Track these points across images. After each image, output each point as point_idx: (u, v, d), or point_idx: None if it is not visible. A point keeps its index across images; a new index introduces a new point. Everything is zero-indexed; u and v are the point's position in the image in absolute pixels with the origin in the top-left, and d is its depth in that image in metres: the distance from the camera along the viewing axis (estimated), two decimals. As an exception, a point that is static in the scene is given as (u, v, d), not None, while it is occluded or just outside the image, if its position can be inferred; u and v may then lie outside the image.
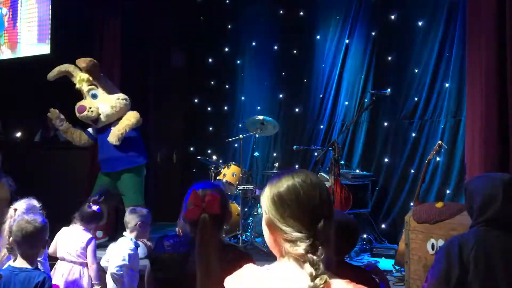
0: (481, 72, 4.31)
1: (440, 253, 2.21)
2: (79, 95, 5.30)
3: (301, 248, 1.26)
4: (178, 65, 7.30)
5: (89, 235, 3.42)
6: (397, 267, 4.49)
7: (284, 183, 1.33)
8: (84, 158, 6.01)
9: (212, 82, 7.46)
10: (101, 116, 5.04)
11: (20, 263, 2.46)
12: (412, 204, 4.56)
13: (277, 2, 6.81)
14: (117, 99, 5.11)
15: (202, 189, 2.01)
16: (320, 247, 1.26)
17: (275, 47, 6.88)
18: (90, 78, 5.11)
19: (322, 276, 1.23)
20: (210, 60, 7.44)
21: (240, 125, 6.58)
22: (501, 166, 4.13)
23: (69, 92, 5.56)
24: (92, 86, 5.10)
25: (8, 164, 5.91)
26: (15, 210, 3.10)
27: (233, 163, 5.78)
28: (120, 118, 5.08)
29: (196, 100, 7.60)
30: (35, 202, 3.31)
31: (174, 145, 7.49)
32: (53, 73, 5.23)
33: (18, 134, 7.26)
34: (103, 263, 3.46)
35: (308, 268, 1.24)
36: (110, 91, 5.19)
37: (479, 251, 2.09)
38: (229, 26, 7.27)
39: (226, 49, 7.32)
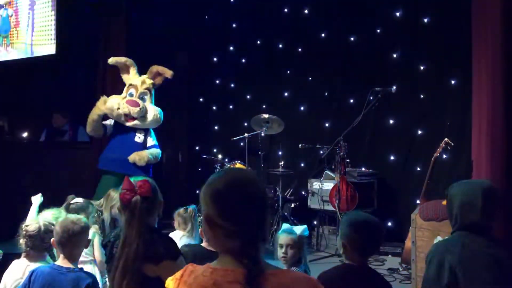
0: (488, 69, 4.29)
1: (428, 261, 2.20)
2: (86, 96, 5.36)
3: (238, 243, 1.30)
4: (183, 64, 7.31)
5: (91, 231, 3.39)
6: (403, 265, 4.48)
7: (222, 180, 1.37)
8: (89, 157, 6.03)
9: (217, 81, 7.46)
10: (147, 119, 5.18)
11: (64, 263, 2.47)
12: (418, 201, 4.54)
13: (281, 0, 6.80)
14: (156, 112, 5.28)
15: (133, 179, 2.22)
16: (258, 243, 1.32)
17: (280, 45, 6.87)
18: (151, 86, 5.33)
19: (258, 269, 1.28)
20: (215, 59, 7.44)
21: (245, 124, 6.58)
22: (507, 162, 4.11)
23: (72, 92, 5.61)
24: (147, 91, 5.27)
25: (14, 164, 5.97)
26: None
27: (239, 161, 5.78)
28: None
29: (201, 99, 7.61)
30: (63, 212, 3.29)
31: (179, 144, 7.51)
32: (118, 59, 5.40)
33: (25, 134, 7.29)
34: None
35: (244, 262, 1.28)
36: (151, 102, 5.37)
37: (465, 258, 2.08)
38: (234, 25, 7.26)
39: (231, 48, 7.32)
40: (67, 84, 5.82)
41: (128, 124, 5.18)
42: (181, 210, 3.90)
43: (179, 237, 3.79)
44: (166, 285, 1.40)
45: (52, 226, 2.73)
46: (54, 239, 2.54)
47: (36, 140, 7.03)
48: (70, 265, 2.47)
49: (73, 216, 2.63)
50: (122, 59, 5.41)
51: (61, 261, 2.49)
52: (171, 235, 3.85)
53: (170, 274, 1.98)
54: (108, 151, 5.28)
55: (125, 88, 5.34)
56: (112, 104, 5.18)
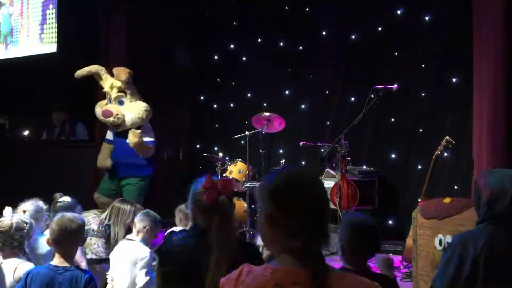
0: (489, 67, 4.28)
1: (449, 252, 2.16)
2: (86, 93, 5.36)
3: (300, 241, 1.27)
4: (184, 62, 7.30)
5: None
6: (404, 263, 4.48)
7: (282, 178, 1.35)
8: (90, 155, 6.03)
9: (218, 79, 7.45)
10: (126, 123, 5.13)
11: (60, 261, 2.46)
12: (419, 199, 4.53)
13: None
14: (142, 109, 5.21)
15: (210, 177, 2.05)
16: (320, 242, 1.29)
17: (281, 43, 6.86)
18: (122, 87, 5.22)
19: (323, 269, 1.25)
20: (215, 57, 7.43)
21: (246, 122, 6.57)
22: (508, 160, 4.10)
23: (74, 90, 5.61)
24: (122, 94, 5.21)
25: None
26: (24, 211, 3.13)
27: (240, 160, 5.78)
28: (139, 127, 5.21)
29: (202, 97, 7.60)
30: (41, 204, 3.33)
31: (180, 142, 7.50)
32: (81, 72, 5.31)
33: (26, 133, 7.30)
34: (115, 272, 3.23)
35: (307, 261, 1.25)
36: (136, 100, 5.28)
37: (489, 250, 2.05)
38: (235, 23, 7.25)
39: (232, 46, 7.31)
40: (68, 82, 5.81)
41: (118, 130, 5.21)
42: (182, 206, 3.88)
43: None
44: (220, 286, 1.36)
45: (25, 224, 2.75)
46: (49, 237, 2.52)
47: (37, 138, 7.04)
48: (66, 264, 2.46)
49: (69, 214, 2.61)
50: (85, 70, 5.30)
51: (57, 260, 2.48)
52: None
53: None
54: (112, 156, 5.34)
55: (106, 95, 5.35)
56: (98, 116, 5.23)
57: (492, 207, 2.13)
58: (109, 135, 5.38)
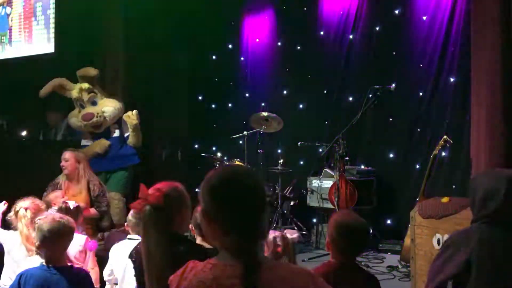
0: (487, 66, 4.29)
1: (443, 248, 2.20)
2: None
3: (235, 238, 1.30)
4: (182, 62, 7.30)
5: (83, 236, 3.30)
6: (403, 263, 4.48)
7: (218, 175, 1.37)
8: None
9: (216, 79, 7.45)
10: (107, 119, 5.17)
11: (53, 261, 2.44)
12: (417, 199, 4.54)
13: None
14: (116, 101, 5.31)
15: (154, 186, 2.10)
16: (255, 240, 1.32)
17: (279, 43, 6.87)
18: (91, 87, 5.26)
19: (255, 263, 1.28)
20: (214, 57, 7.43)
21: (244, 122, 6.58)
22: (506, 160, 4.11)
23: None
24: (93, 94, 5.30)
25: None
26: (26, 209, 3.11)
27: (238, 160, 5.78)
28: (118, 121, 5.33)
29: (200, 97, 7.60)
30: (38, 201, 3.32)
31: (178, 143, 7.50)
32: (45, 90, 5.39)
33: (24, 133, 7.28)
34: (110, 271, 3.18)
35: (240, 257, 1.28)
36: (108, 95, 5.38)
37: (482, 249, 2.07)
38: (233, 23, 7.25)
39: (230, 46, 7.31)
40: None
41: (99, 131, 5.34)
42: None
43: None
44: (168, 282, 1.40)
45: None
46: (39, 240, 2.48)
47: (34, 138, 7.03)
48: (60, 264, 2.44)
49: (57, 215, 2.59)
50: (48, 86, 5.41)
51: (49, 261, 2.45)
52: None
53: None
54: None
55: (74, 103, 5.42)
56: (76, 125, 5.29)
57: (485, 206, 2.15)
58: (84, 142, 5.45)
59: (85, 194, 4.19)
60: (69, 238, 2.54)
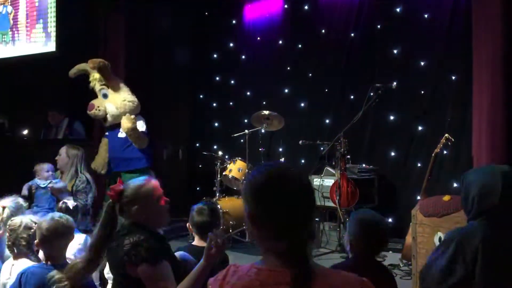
0: (488, 64, 4.28)
1: (443, 247, 2.14)
2: (87, 93, 5.40)
3: (283, 244, 1.22)
4: (183, 61, 7.30)
5: (82, 235, 3.33)
6: (404, 261, 4.48)
7: (264, 176, 1.28)
8: (88, 154, 6.02)
9: (217, 78, 7.45)
10: (108, 116, 5.18)
11: (52, 260, 2.45)
12: (419, 197, 4.53)
13: (281, -4, 6.79)
14: (123, 101, 5.21)
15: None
16: (305, 241, 1.23)
17: (280, 42, 6.86)
18: (102, 78, 5.23)
19: (306, 269, 1.21)
20: (215, 55, 7.43)
21: (245, 121, 6.57)
22: (508, 158, 4.11)
23: (72, 89, 5.62)
24: (103, 86, 5.27)
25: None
26: (4, 207, 3.09)
27: (239, 158, 5.78)
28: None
29: (201, 96, 7.60)
30: (21, 201, 3.28)
31: (180, 141, 7.50)
32: (73, 71, 5.36)
33: (25, 132, 7.29)
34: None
35: (291, 263, 1.21)
36: (119, 92, 5.28)
37: (485, 250, 2.03)
38: (234, 22, 7.25)
39: (231, 45, 7.31)
40: (66, 80, 5.80)
41: (106, 125, 5.30)
42: None
43: None
44: (207, 285, 1.34)
45: (34, 224, 2.71)
46: (38, 239, 2.49)
47: (35, 137, 7.03)
48: (59, 262, 2.45)
49: (56, 215, 2.59)
50: (81, 66, 5.33)
51: (49, 260, 2.47)
52: None
53: (147, 278, 2.01)
54: (108, 151, 5.36)
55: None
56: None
57: (482, 203, 2.11)
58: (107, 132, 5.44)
59: (69, 187, 4.33)
60: (68, 237, 2.55)
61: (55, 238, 2.46)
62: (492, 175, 2.14)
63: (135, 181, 2.33)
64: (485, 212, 2.11)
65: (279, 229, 1.23)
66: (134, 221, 2.25)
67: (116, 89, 5.26)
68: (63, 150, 4.52)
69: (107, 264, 3.34)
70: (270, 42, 6.92)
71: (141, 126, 5.25)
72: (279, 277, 1.21)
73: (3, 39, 7.31)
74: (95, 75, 5.24)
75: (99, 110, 5.13)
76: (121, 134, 5.24)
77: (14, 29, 7.20)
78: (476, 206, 2.13)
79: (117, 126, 5.22)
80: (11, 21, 7.23)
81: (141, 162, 5.25)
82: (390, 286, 2.23)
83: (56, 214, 2.61)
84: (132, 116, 5.04)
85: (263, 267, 1.25)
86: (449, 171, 5.30)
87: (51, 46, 6.79)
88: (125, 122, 4.99)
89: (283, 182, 1.26)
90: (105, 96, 5.24)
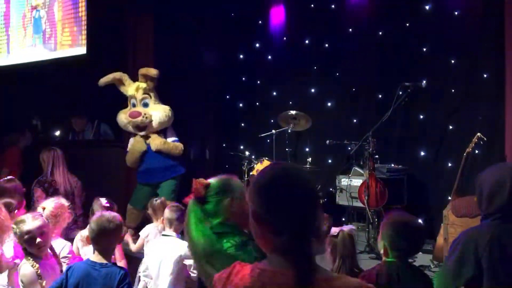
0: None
1: (452, 248, 2.14)
2: (112, 96, 5.52)
3: (286, 238, 1.23)
4: (210, 61, 7.35)
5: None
6: (435, 262, 4.41)
7: (266, 174, 1.33)
8: (119, 155, 6.13)
9: (243, 78, 7.47)
10: (153, 123, 5.28)
11: (98, 258, 2.59)
12: (450, 198, 4.45)
13: (307, -5, 6.76)
14: (168, 108, 5.36)
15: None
16: (308, 239, 1.23)
17: (306, 41, 6.83)
18: (147, 87, 5.33)
19: (309, 270, 1.20)
20: (241, 56, 7.46)
21: (272, 121, 6.57)
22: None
23: (102, 91, 5.72)
24: (146, 95, 5.36)
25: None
26: (44, 208, 3.21)
27: (266, 158, 5.79)
28: (163, 129, 5.40)
29: (228, 96, 7.63)
30: (64, 201, 3.41)
31: (206, 141, 7.56)
32: (105, 79, 5.49)
33: (57, 133, 7.47)
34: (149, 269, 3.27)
35: (294, 262, 1.21)
36: (158, 102, 5.45)
37: (493, 249, 2.02)
38: (260, 22, 7.26)
39: (257, 45, 7.32)
40: (96, 82, 5.92)
41: (141, 133, 5.36)
42: (152, 200, 4.04)
43: (153, 229, 3.84)
44: (213, 283, 1.36)
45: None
46: (88, 235, 2.66)
47: (66, 138, 7.21)
48: (104, 261, 2.58)
49: (107, 214, 2.71)
50: (109, 76, 5.48)
51: (95, 257, 2.61)
52: (146, 227, 3.95)
53: None
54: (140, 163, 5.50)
55: (128, 101, 5.47)
56: (122, 122, 5.36)
57: (492, 201, 2.09)
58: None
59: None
60: (116, 234, 2.66)
61: (103, 236, 2.60)
62: (501, 172, 2.12)
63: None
64: (498, 210, 2.08)
65: (281, 223, 1.25)
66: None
67: (157, 99, 5.42)
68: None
69: (142, 263, 3.41)
70: (296, 42, 6.90)
71: (171, 134, 5.38)
72: (282, 279, 1.21)
73: (36, 42, 7.51)
74: (141, 85, 5.35)
75: (146, 117, 5.23)
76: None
77: (46, 33, 7.39)
78: (488, 204, 2.10)
79: (147, 138, 5.34)
80: (43, 25, 7.42)
81: (181, 168, 5.39)
82: None
83: (108, 214, 2.72)
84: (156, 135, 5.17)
85: (266, 268, 1.27)
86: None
87: (81, 49, 6.94)
88: (154, 140, 5.15)
89: (285, 177, 1.31)
90: (145, 105, 5.35)
